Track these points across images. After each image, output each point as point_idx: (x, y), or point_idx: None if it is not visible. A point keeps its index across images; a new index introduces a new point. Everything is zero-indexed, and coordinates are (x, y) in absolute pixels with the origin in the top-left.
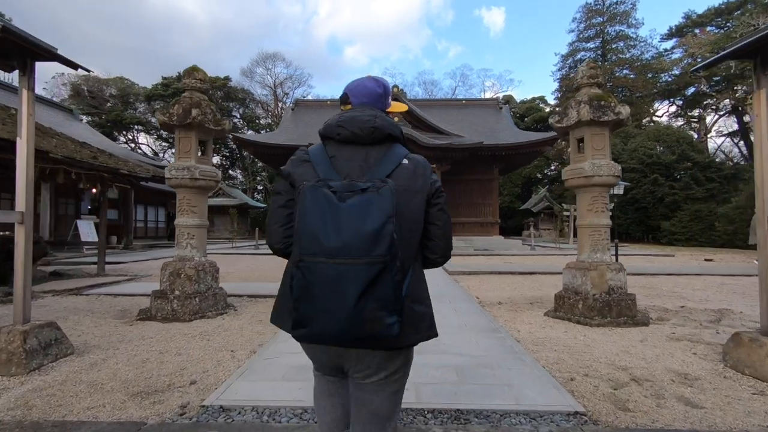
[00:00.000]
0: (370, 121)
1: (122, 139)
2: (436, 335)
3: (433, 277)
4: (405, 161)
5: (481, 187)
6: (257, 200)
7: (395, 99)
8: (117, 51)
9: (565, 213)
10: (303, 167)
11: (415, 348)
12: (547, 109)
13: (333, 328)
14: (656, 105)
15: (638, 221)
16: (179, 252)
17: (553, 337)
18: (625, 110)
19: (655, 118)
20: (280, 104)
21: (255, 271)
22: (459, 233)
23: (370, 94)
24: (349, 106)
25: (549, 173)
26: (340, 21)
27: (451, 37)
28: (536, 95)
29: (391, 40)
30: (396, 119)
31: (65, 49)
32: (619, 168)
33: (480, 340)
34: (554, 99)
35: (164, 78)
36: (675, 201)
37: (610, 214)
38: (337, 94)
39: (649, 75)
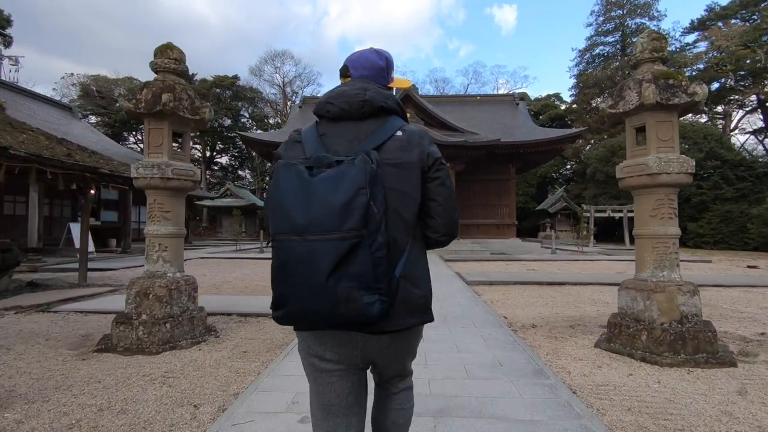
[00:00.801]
0: (359, 94)
1: (132, 139)
2: (431, 320)
3: (450, 289)
4: (399, 133)
5: (497, 187)
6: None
7: (407, 95)
8: (131, 54)
9: (585, 214)
10: (294, 149)
11: (438, 410)
12: (563, 107)
13: (307, 309)
14: None
15: None
16: (148, 267)
17: (618, 384)
18: (701, 90)
19: None
20: (289, 103)
21: (255, 279)
22: (474, 235)
23: (372, 67)
24: (349, 80)
25: (565, 172)
26: (351, 21)
27: (463, 35)
28: (551, 92)
29: (402, 40)
30: (408, 114)
31: (80, 52)
32: (693, 163)
33: (524, 390)
34: (570, 96)
35: None
36: (703, 201)
37: (632, 214)
38: None
39: (672, 69)
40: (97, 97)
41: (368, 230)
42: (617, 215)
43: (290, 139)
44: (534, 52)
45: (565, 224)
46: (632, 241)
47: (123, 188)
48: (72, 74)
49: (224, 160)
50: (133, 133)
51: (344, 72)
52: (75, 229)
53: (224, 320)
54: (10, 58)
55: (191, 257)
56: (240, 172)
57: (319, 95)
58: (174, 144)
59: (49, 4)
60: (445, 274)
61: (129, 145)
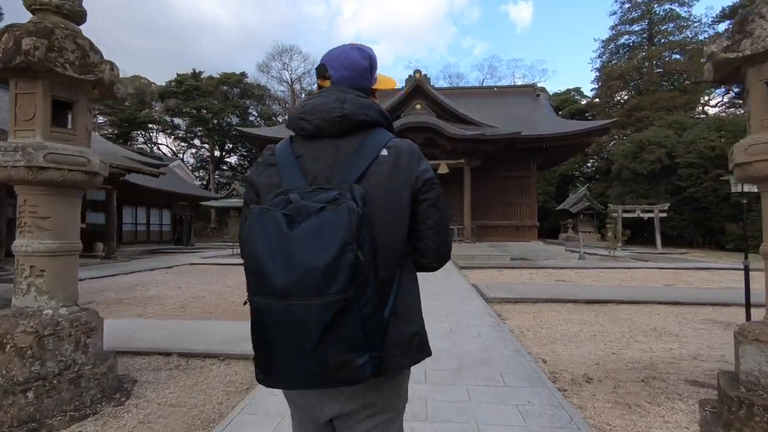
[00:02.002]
0: (336, 108)
1: (141, 139)
2: (428, 355)
3: (466, 310)
4: (384, 152)
5: (517, 185)
6: None
7: (417, 85)
8: (141, 54)
9: (613, 214)
10: (268, 173)
11: None
12: (584, 102)
13: (294, 376)
14: (711, 93)
15: (696, 223)
16: (15, 301)
17: None
18: None
19: (707, 109)
20: (297, 100)
21: (236, 293)
22: (492, 237)
23: (353, 67)
24: (328, 82)
25: (587, 170)
26: (364, 21)
27: (477, 33)
28: (571, 87)
29: (415, 39)
30: (418, 106)
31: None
32: None
33: None
34: (592, 91)
35: (178, 75)
36: None
37: (663, 214)
38: None
39: (704, 59)
40: None
41: (357, 286)
42: (647, 215)
43: (263, 160)
44: (552, 45)
45: (588, 225)
46: (664, 243)
47: (105, 187)
48: None
49: (233, 159)
50: (142, 132)
51: (322, 72)
52: None
53: (156, 364)
54: None
55: (180, 263)
56: (248, 172)
57: None
58: (79, 125)
59: None
60: (459, 286)
61: (139, 146)
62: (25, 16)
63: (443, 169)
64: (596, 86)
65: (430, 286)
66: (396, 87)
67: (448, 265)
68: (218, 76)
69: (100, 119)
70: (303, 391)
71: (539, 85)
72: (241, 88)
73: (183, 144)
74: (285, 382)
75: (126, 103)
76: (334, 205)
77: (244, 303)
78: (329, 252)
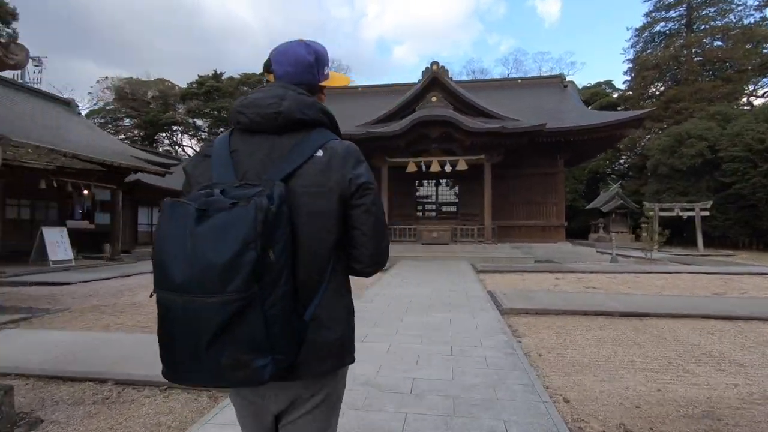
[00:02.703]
0: (273, 104)
1: (167, 141)
2: (351, 362)
3: (475, 324)
4: (319, 153)
5: (543, 183)
6: None
7: (434, 78)
8: (174, 59)
9: (649, 213)
10: (202, 165)
11: None
12: (615, 95)
13: (193, 374)
14: (758, 81)
15: (743, 223)
16: None
17: None
18: None
19: (752, 99)
20: None
21: None
22: (515, 238)
23: (297, 63)
24: (273, 77)
25: (619, 167)
26: (388, 21)
27: (503, 30)
28: (602, 79)
29: (440, 37)
30: (434, 99)
31: (119, 57)
32: None
33: None
34: (624, 83)
35: (200, 76)
36: None
37: (705, 213)
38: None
39: (749, 45)
40: (130, 99)
41: (262, 287)
42: (686, 214)
43: (200, 152)
44: (581, 36)
45: (621, 224)
46: (706, 244)
47: (110, 187)
48: (106, 77)
49: None
50: (168, 134)
51: (267, 67)
52: (49, 234)
53: (81, 396)
54: (33, 59)
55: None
56: None
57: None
58: None
59: (102, 18)
60: (473, 294)
61: (165, 148)
62: (39, 15)
63: (461, 166)
64: (629, 78)
65: (438, 294)
66: (349, 84)
67: (466, 268)
68: (238, 76)
69: (127, 121)
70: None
71: (568, 78)
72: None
73: None
74: (186, 378)
75: (151, 106)
76: (245, 202)
77: (150, 296)
78: (230, 250)
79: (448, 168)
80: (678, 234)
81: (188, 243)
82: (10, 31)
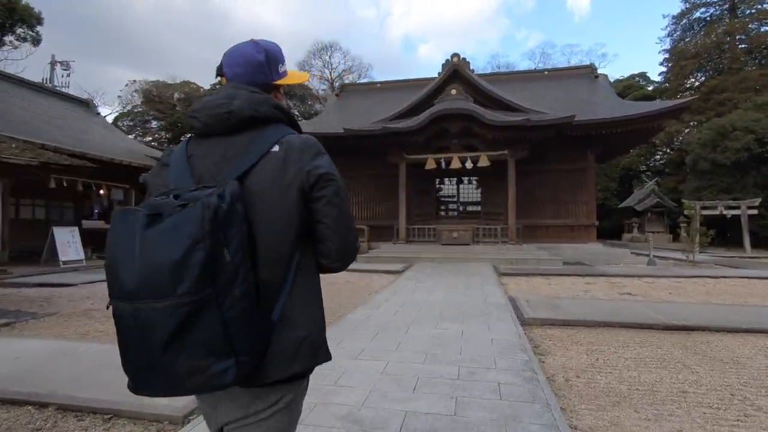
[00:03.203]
0: (224, 104)
1: None
2: (325, 360)
3: (490, 338)
4: (275, 148)
5: (571, 179)
6: None
7: (455, 70)
8: (203, 63)
9: (689, 211)
10: (162, 174)
11: None
12: (650, 87)
13: (151, 383)
14: None
15: None
16: None
17: None
18: None
19: None
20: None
21: None
22: (541, 238)
23: (246, 63)
24: (224, 79)
25: (654, 163)
26: (414, 20)
27: (532, 24)
28: (635, 72)
29: (466, 35)
30: (453, 91)
31: (146, 62)
32: None
33: None
34: (660, 75)
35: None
36: None
37: (753, 211)
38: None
39: None
40: (157, 101)
41: (217, 287)
42: (731, 213)
43: (160, 161)
44: (613, 27)
45: (657, 224)
46: (754, 245)
47: (123, 187)
48: (135, 81)
49: None
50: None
51: (219, 70)
52: (60, 234)
53: (10, 425)
54: (61, 63)
55: None
56: None
57: (360, 83)
58: None
59: (135, 25)
60: (492, 300)
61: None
62: (65, 21)
63: (483, 162)
64: (665, 69)
65: (453, 301)
66: (308, 80)
67: (487, 270)
68: None
69: (154, 124)
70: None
71: (599, 71)
72: (283, 89)
73: None
74: (146, 389)
75: (176, 108)
76: (194, 203)
77: (107, 307)
78: (177, 251)
79: (469, 165)
80: (721, 234)
81: (137, 248)
82: (33, 34)
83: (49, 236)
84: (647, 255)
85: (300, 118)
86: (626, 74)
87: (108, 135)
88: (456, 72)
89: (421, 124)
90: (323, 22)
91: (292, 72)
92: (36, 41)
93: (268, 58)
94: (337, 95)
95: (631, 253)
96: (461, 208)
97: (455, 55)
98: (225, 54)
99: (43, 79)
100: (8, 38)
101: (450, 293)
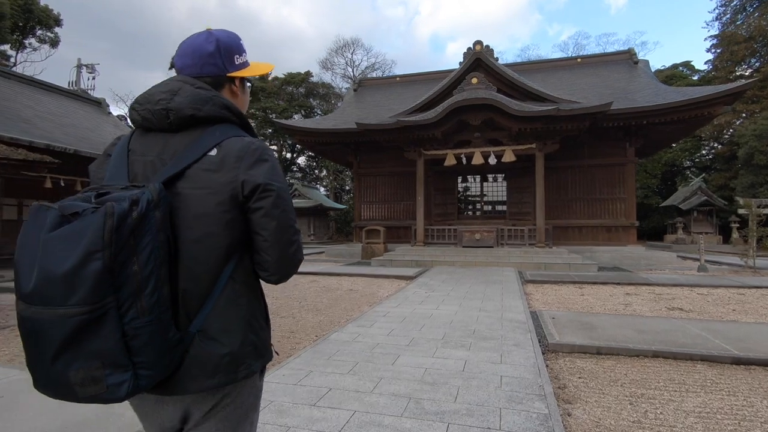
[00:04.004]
0: (163, 100)
1: None
2: (246, 376)
3: (502, 385)
4: (213, 151)
5: (608, 176)
6: (345, 200)
7: (477, 59)
8: None
9: (745, 210)
10: (104, 166)
11: None
12: (695, 77)
13: (48, 387)
14: None
15: None
16: None
17: None
18: None
19: None
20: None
21: None
22: (573, 241)
23: (194, 53)
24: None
25: (701, 158)
26: (443, 17)
27: (564, 18)
28: (678, 61)
29: (496, 31)
30: (474, 80)
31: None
32: None
33: None
34: (706, 63)
35: None
36: None
37: None
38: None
39: None
40: None
41: (120, 297)
42: None
43: (105, 150)
44: (654, 14)
45: (705, 224)
46: None
47: None
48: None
49: (302, 160)
50: None
51: (172, 61)
52: None
53: None
54: (87, 66)
55: None
56: (317, 173)
57: (378, 77)
58: None
59: (161, 29)
60: (510, 317)
61: None
62: (85, 26)
63: (508, 157)
64: (712, 56)
65: (463, 317)
66: (272, 70)
67: (512, 276)
68: (283, 76)
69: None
70: (141, 397)
71: (642, 60)
72: (306, 88)
73: None
74: (44, 390)
75: None
76: (100, 208)
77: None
78: (70, 260)
79: (492, 160)
80: None
81: (37, 251)
82: (51, 35)
83: None
84: (697, 259)
85: (322, 116)
86: (668, 64)
87: (116, 133)
88: (479, 61)
89: (438, 117)
90: (351, 22)
91: (255, 63)
92: (54, 43)
93: (219, 48)
94: (354, 90)
95: (677, 257)
96: (485, 208)
97: (477, 42)
98: (179, 45)
99: (69, 83)
100: (28, 41)
101: (462, 306)
